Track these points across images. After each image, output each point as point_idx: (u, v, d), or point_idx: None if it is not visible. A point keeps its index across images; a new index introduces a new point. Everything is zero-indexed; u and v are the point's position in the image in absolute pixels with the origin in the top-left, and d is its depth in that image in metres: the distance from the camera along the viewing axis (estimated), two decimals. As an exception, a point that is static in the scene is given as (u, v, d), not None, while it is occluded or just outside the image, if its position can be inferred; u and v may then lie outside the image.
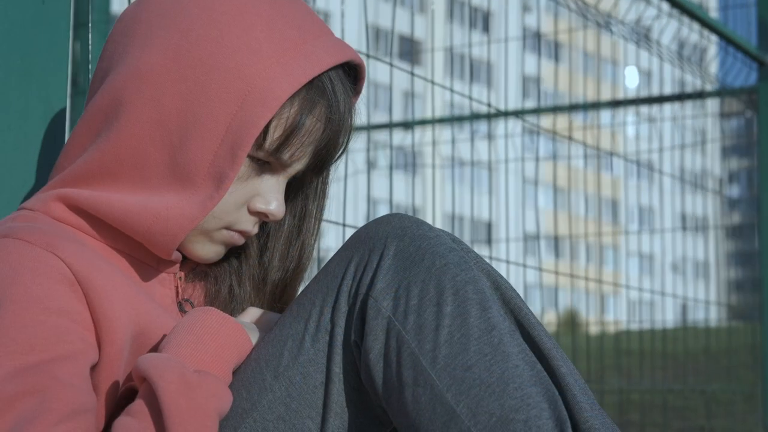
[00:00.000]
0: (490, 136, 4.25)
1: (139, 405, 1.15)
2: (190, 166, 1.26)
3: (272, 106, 1.25)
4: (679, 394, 5.17)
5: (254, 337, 1.31)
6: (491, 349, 1.18)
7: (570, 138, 4.12)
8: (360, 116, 1.38)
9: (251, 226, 1.35)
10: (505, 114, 3.82)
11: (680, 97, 4.94)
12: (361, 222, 1.83)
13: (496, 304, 1.23)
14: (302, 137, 1.30)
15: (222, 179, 1.26)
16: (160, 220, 1.27)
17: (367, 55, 2.60)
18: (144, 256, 1.34)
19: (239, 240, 1.36)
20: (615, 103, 4.98)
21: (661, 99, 5.00)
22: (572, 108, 4.97)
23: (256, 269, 1.44)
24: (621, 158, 4.78)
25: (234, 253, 1.43)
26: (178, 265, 1.38)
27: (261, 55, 1.26)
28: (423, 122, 5.51)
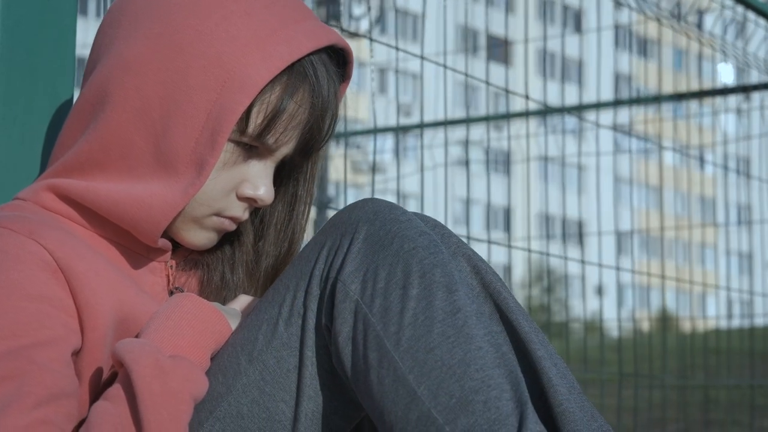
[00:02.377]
0: (580, 131, 4.25)
1: (116, 389, 1.16)
2: (172, 153, 1.27)
3: (251, 92, 1.25)
4: (763, 391, 5.13)
5: (235, 323, 1.32)
6: (455, 331, 1.18)
7: (659, 143, 4.10)
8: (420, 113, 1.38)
9: (241, 212, 1.35)
10: (546, 111, 3.81)
11: (760, 87, 4.84)
12: (449, 224, 1.86)
13: (464, 288, 1.22)
14: (285, 122, 1.30)
15: (203, 166, 1.26)
16: (144, 208, 1.28)
17: (466, 75, 2.63)
18: (133, 245, 1.35)
19: (230, 226, 1.36)
20: (678, 96, 4.90)
21: (724, 91, 4.89)
22: (638, 101, 4.88)
23: (250, 255, 1.44)
24: (710, 159, 4.74)
25: (228, 240, 1.43)
26: (168, 254, 1.38)
27: (239, 42, 1.26)
28: (513, 115, 5.49)
